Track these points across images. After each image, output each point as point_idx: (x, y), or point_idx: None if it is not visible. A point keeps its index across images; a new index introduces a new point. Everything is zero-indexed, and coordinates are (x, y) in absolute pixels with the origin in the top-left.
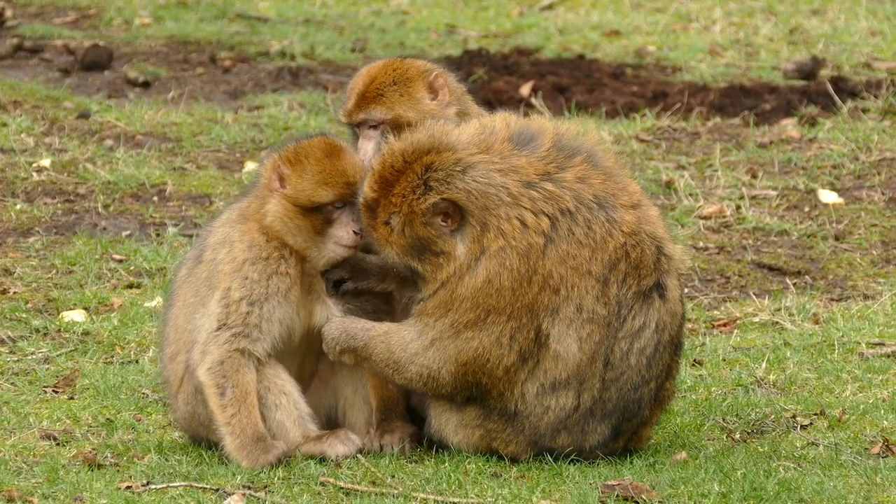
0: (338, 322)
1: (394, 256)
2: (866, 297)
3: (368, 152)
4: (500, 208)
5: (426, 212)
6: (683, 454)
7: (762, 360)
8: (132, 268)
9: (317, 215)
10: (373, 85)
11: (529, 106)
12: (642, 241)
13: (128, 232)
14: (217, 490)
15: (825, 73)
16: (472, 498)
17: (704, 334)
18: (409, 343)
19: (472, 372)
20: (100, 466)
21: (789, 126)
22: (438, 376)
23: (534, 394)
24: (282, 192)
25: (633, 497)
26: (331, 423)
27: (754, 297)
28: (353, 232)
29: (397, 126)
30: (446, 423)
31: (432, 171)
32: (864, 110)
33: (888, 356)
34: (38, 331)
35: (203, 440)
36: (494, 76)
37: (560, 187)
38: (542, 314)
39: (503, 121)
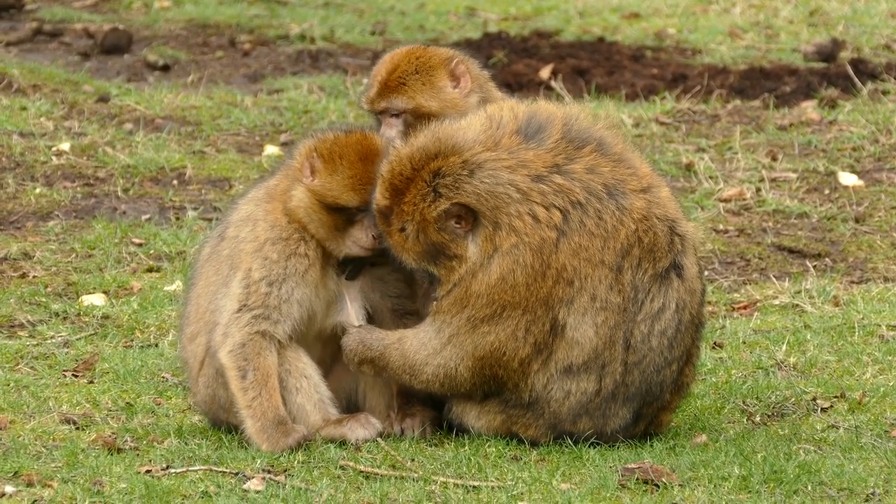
0: (355, 334)
1: (410, 262)
2: (886, 280)
3: (390, 140)
4: (511, 206)
5: (438, 218)
6: (703, 437)
7: (782, 343)
8: (152, 252)
9: (340, 215)
10: (395, 73)
11: (549, 89)
12: (653, 225)
13: (147, 216)
14: (237, 474)
15: (845, 55)
16: (492, 481)
17: (725, 317)
18: (427, 343)
19: (488, 365)
20: (119, 450)
21: (809, 108)
22: (456, 374)
23: (543, 383)
24: (309, 184)
25: (653, 480)
26: (351, 406)
27: (774, 279)
28: (373, 236)
29: (419, 115)
30: (468, 409)
31: (440, 178)
32: (884, 92)
33: None
34: (57, 315)
35: (223, 424)
36: (514, 59)
37: (570, 179)
38: (557, 306)
39: (511, 111)
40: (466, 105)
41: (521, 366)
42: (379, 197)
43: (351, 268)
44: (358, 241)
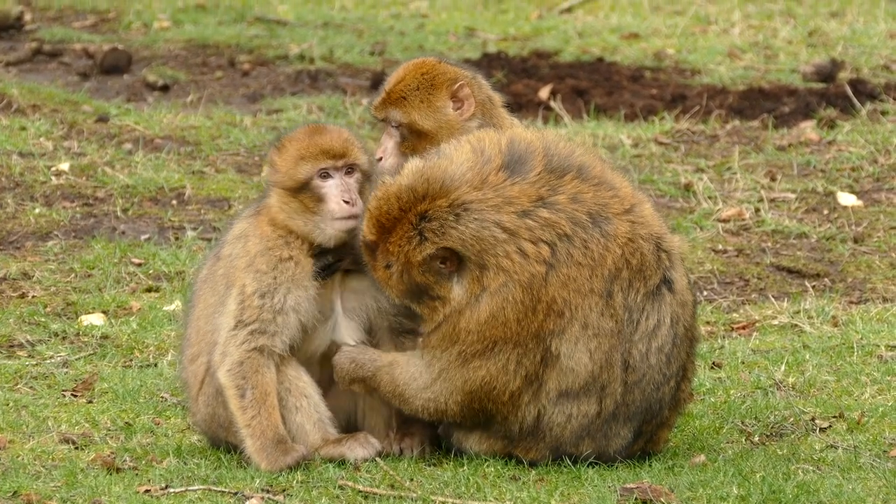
0: (347, 352)
1: (393, 298)
2: (885, 300)
3: (387, 150)
4: (497, 247)
5: (423, 261)
6: (702, 457)
7: (781, 363)
8: (151, 271)
9: (306, 194)
10: (399, 85)
11: (548, 109)
12: (640, 246)
13: (146, 235)
14: (236, 493)
15: (844, 75)
16: (490, 501)
17: (723, 337)
18: (417, 377)
19: (478, 399)
20: (118, 470)
21: (808, 128)
22: (446, 408)
23: (535, 415)
24: (273, 179)
25: (651, 500)
26: (350, 426)
27: (773, 299)
28: (345, 202)
29: (413, 131)
30: (469, 435)
31: (427, 221)
32: (883, 112)
33: None
34: (56, 335)
35: (222, 443)
36: (513, 79)
37: (555, 212)
38: (549, 337)
39: (494, 145)
40: (464, 128)
41: (511, 399)
42: (365, 231)
43: (323, 266)
44: (333, 213)
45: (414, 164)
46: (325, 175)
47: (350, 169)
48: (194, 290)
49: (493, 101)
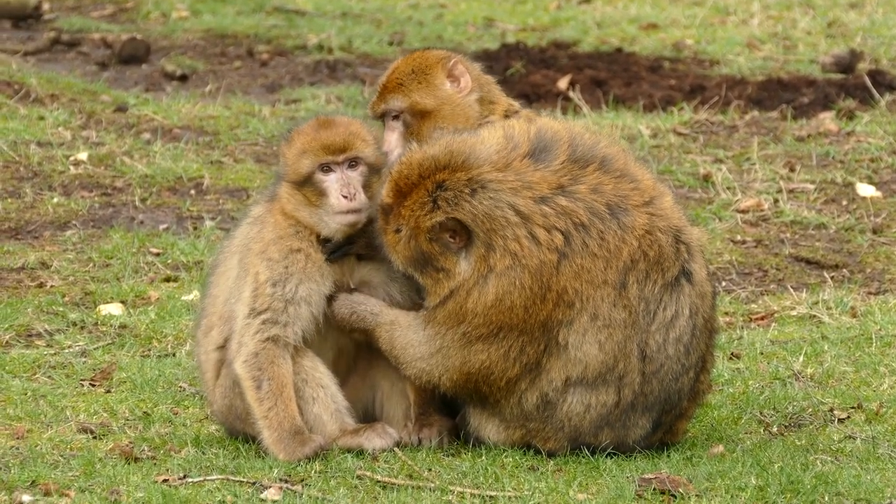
0: (347, 301)
1: (398, 264)
2: None
3: (392, 143)
4: (507, 229)
5: (432, 229)
6: (720, 447)
7: (799, 354)
8: (169, 261)
9: (309, 188)
10: (393, 75)
11: (567, 99)
12: (657, 238)
13: (165, 225)
14: (254, 483)
15: (863, 66)
16: (508, 491)
17: (742, 328)
18: (416, 346)
19: (473, 381)
20: (137, 460)
21: (827, 119)
22: (439, 382)
23: (535, 402)
24: (281, 172)
25: (669, 490)
26: (368, 416)
27: (792, 290)
28: (343, 196)
29: (415, 113)
30: (487, 424)
31: (442, 190)
32: None
33: None
34: (75, 324)
35: (240, 433)
36: (532, 70)
37: (573, 201)
38: (556, 328)
39: (524, 133)
40: (466, 103)
41: (508, 384)
42: (384, 194)
43: (334, 248)
44: (333, 208)
45: (444, 137)
46: (326, 169)
47: (353, 163)
48: (212, 266)
49: (488, 79)
